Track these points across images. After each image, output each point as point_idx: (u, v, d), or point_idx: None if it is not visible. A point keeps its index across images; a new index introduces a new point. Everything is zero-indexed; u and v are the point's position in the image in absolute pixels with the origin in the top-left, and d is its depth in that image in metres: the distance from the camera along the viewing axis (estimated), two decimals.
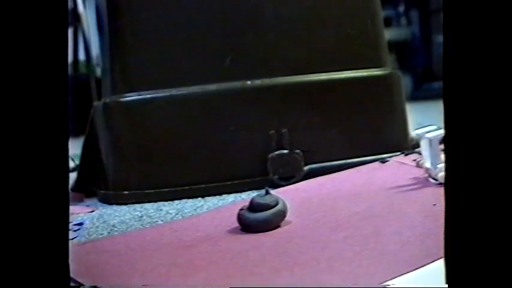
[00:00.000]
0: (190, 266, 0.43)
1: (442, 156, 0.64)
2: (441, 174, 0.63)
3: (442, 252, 0.37)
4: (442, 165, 0.63)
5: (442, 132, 0.62)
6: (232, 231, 0.53)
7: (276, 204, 0.50)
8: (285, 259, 0.43)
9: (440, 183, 0.63)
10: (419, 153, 0.75)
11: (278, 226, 0.50)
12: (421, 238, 0.45)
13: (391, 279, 0.36)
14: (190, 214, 0.64)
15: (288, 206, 0.51)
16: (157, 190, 0.73)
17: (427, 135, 0.63)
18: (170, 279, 0.41)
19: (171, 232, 0.56)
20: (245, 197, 0.69)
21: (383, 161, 0.76)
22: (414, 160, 0.72)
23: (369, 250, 0.43)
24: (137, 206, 0.71)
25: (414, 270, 0.37)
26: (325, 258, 0.42)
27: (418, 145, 0.81)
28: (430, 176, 0.64)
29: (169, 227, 0.58)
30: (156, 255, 0.47)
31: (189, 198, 0.72)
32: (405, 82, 0.93)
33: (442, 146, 0.73)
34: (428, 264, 0.38)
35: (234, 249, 0.46)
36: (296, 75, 0.75)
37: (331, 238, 0.46)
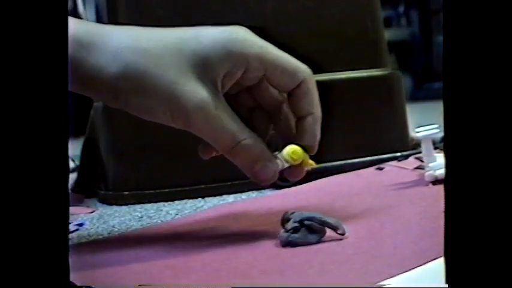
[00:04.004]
0: (182, 267, 0.43)
1: (437, 155, 0.63)
2: (430, 173, 0.63)
3: (435, 253, 0.37)
4: (436, 164, 0.63)
5: (436, 131, 0.62)
6: (227, 232, 0.53)
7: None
8: (277, 262, 0.43)
9: (434, 182, 0.62)
10: (418, 158, 0.75)
11: None
12: (415, 240, 0.45)
13: (381, 282, 0.36)
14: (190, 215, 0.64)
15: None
16: (157, 191, 0.73)
17: (418, 134, 0.63)
18: (162, 281, 0.41)
19: (166, 232, 0.56)
20: (245, 197, 0.70)
21: (381, 167, 0.76)
22: (416, 168, 0.72)
23: (362, 253, 0.43)
24: (137, 206, 0.71)
25: (404, 272, 0.37)
26: (318, 261, 0.42)
27: (418, 145, 0.81)
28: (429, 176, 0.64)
29: (165, 227, 0.58)
30: (149, 255, 0.47)
31: (189, 198, 0.72)
32: (405, 82, 0.94)
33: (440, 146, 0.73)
34: (420, 266, 0.38)
35: (227, 251, 0.46)
36: None
37: (325, 241, 0.46)
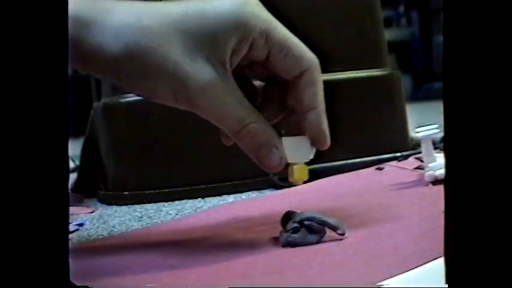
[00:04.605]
0: (181, 267, 0.43)
1: (437, 155, 0.63)
2: (430, 173, 0.63)
3: (435, 253, 0.37)
4: (436, 164, 0.63)
5: (436, 131, 0.62)
6: (227, 232, 0.53)
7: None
8: (277, 262, 0.43)
9: (434, 182, 0.62)
10: (418, 158, 0.75)
11: None
12: (415, 240, 0.45)
13: (381, 282, 0.36)
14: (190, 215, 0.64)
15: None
16: (157, 191, 0.74)
17: (418, 134, 0.63)
18: (162, 281, 0.41)
19: (166, 232, 0.56)
20: (245, 197, 0.70)
21: (381, 167, 0.76)
22: (417, 168, 0.72)
23: (361, 253, 0.43)
24: (137, 206, 0.71)
25: (404, 272, 0.37)
26: (317, 262, 0.42)
27: (418, 145, 0.81)
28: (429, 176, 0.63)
29: (165, 227, 0.58)
30: (149, 255, 0.47)
31: (189, 198, 0.72)
32: (405, 82, 0.94)
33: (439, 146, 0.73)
34: (420, 266, 0.38)
35: (227, 251, 0.46)
36: None
37: (325, 241, 0.46)
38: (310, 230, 0.46)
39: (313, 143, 0.48)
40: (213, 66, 0.45)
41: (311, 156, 0.48)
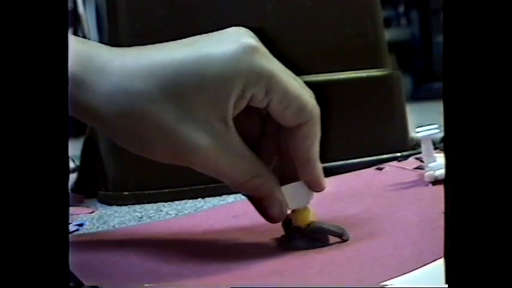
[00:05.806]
0: (181, 267, 0.43)
1: (437, 155, 0.63)
2: (430, 173, 0.63)
3: (435, 254, 0.37)
4: (436, 164, 0.63)
5: (436, 131, 0.62)
6: (227, 232, 0.53)
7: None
8: (277, 262, 0.43)
9: (434, 182, 0.62)
10: (418, 158, 0.75)
11: None
12: (414, 241, 0.45)
13: (381, 283, 0.36)
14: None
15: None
16: (157, 191, 0.73)
17: (418, 134, 0.63)
18: (161, 280, 0.41)
19: (166, 232, 0.56)
20: (244, 198, 0.69)
21: (381, 167, 0.76)
22: (416, 168, 0.72)
23: (361, 255, 0.43)
24: (137, 206, 0.71)
25: (404, 274, 0.37)
26: (317, 263, 0.42)
27: (418, 145, 0.81)
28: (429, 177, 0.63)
29: (164, 225, 0.59)
30: (148, 255, 0.47)
31: (189, 199, 0.72)
32: (405, 82, 0.94)
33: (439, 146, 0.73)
34: (419, 267, 0.38)
35: (227, 251, 0.46)
36: (295, 75, 0.75)
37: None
38: (314, 239, 0.46)
39: (309, 187, 0.48)
40: (213, 126, 0.43)
41: (311, 198, 0.48)
